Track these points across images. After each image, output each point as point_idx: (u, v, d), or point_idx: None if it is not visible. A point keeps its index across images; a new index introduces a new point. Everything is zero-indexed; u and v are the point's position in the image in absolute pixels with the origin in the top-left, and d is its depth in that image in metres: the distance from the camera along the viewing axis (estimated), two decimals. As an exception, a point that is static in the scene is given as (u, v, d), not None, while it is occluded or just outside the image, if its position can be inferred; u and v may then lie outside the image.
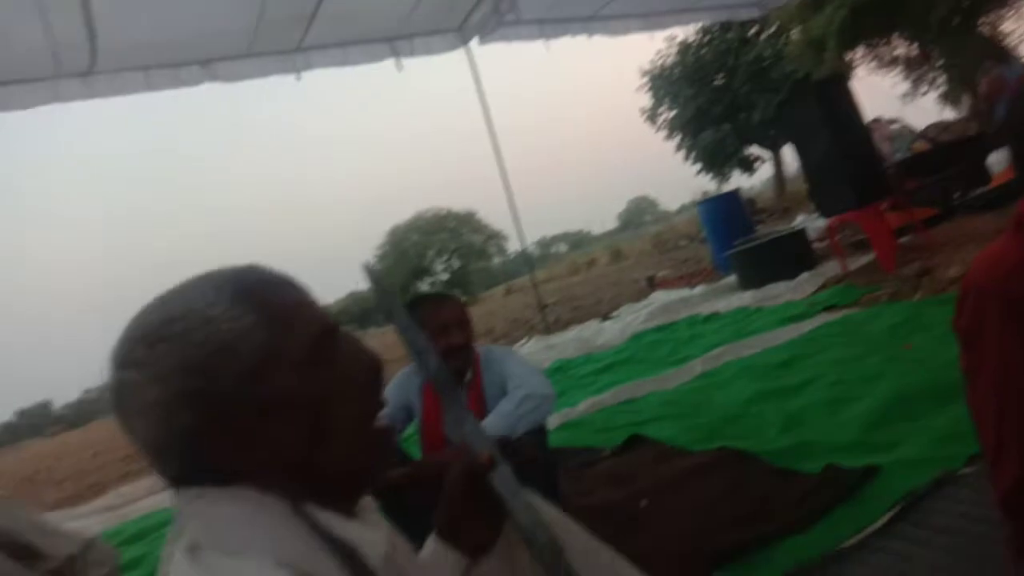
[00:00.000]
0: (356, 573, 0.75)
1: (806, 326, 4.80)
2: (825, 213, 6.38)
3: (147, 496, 6.18)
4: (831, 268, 6.50)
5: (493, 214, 38.96)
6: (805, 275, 6.60)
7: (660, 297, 8.63)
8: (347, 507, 0.82)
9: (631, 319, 7.58)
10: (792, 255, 7.06)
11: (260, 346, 0.75)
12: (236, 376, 0.74)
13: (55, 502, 8.06)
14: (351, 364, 0.82)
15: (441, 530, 1.07)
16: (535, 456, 1.57)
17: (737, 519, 2.31)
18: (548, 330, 9.17)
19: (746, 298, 6.62)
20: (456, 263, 37.25)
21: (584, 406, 4.46)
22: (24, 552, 2.32)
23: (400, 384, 2.83)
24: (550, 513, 1.09)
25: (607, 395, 4.57)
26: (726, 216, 9.33)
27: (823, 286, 6.05)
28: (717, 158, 21.87)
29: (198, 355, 0.73)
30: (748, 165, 22.60)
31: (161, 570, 0.75)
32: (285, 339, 0.76)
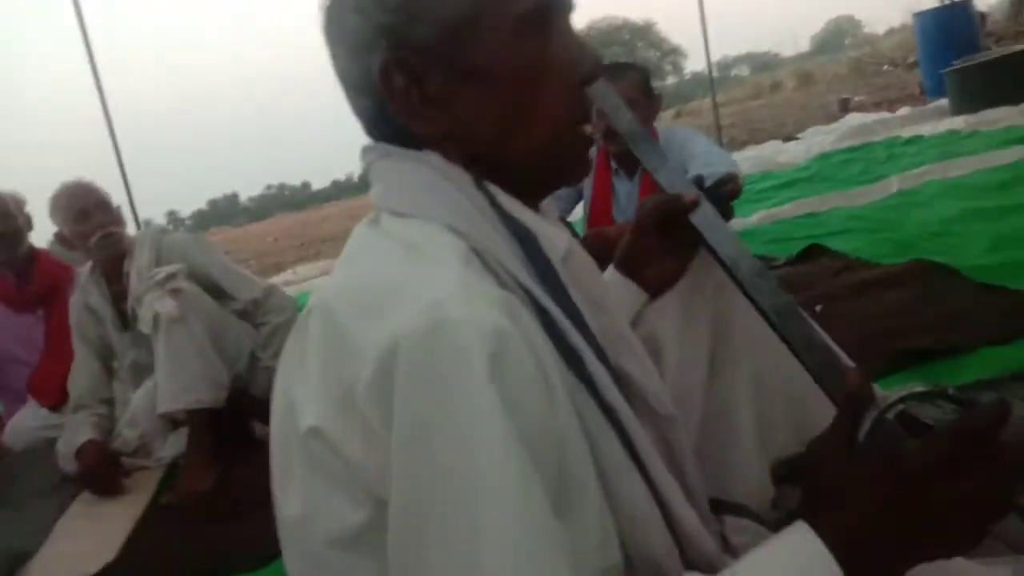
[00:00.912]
0: (532, 259, 0.68)
1: (1031, 149, 4.17)
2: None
3: (320, 275, 6.75)
4: (1071, 92, 5.57)
5: (672, 27, 36.61)
6: (1036, 98, 5.70)
7: (854, 119, 7.82)
8: (531, 202, 0.75)
9: (819, 140, 6.96)
10: (1023, 77, 6.08)
11: (471, 1, 0.67)
12: (439, 25, 0.67)
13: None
14: (569, 54, 0.72)
15: (623, 264, 1.03)
16: (736, 191, 1.44)
17: (928, 326, 2.10)
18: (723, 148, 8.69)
19: (958, 122, 5.84)
20: (627, 82, 35.24)
21: (758, 217, 4.20)
22: (216, 291, 2.53)
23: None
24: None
25: (785, 208, 4.27)
26: (949, 30, 8.08)
27: (1059, 110, 5.22)
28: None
29: None
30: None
31: None
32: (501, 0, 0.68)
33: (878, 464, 0.62)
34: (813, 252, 3.26)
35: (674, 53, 36.95)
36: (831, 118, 9.16)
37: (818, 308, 2.54)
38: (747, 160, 6.90)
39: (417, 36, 0.67)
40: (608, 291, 0.88)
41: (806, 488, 0.68)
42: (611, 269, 1.03)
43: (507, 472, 0.53)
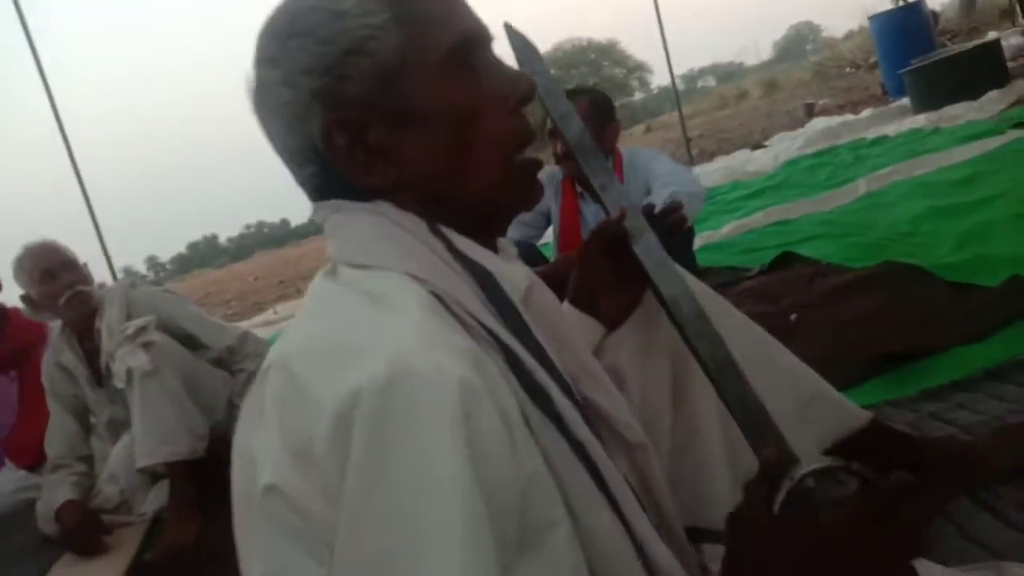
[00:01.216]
0: (493, 299, 0.68)
1: (992, 143, 4.23)
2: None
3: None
4: (1025, 86, 5.68)
5: (636, 44, 37.01)
6: (994, 93, 5.80)
7: (819, 123, 7.93)
8: (488, 241, 0.75)
9: (785, 146, 7.05)
10: (980, 71, 6.18)
11: (395, 47, 0.68)
12: (368, 79, 0.68)
13: (224, 317, 8.92)
14: (499, 81, 0.73)
15: (576, 298, 1.03)
16: (682, 221, 1.44)
17: (901, 328, 2.12)
18: (692, 162, 8.77)
19: (920, 120, 5.94)
20: (596, 99, 35.49)
21: (729, 228, 4.24)
22: (189, 341, 2.51)
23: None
24: (695, 285, 1.01)
25: (756, 217, 4.31)
26: (904, 31, 8.23)
27: (1015, 103, 5.31)
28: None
29: (328, 53, 0.67)
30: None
31: None
32: (423, 40, 0.69)
33: (796, 524, 0.65)
34: (785, 260, 3.28)
35: (640, 69, 37.32)
36: (797, 123, 9.29)
37: (793, 317, 2.55)
38: (717, 171, 6.97)
39: (350, 94, 0.68)
40: (570, 325, 0.88)
41: (726, 556, 0.69)
42: (566, 304, 1.01)
43: (460, 525, 0.52)
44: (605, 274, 1.00)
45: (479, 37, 0.73)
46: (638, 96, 38.70)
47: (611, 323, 1.01)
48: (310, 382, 0.59)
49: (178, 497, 2.30)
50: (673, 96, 10.56)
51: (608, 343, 1.00)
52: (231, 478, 0.69)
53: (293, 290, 9.96)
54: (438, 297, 0.64)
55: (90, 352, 2.54)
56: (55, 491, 2.44)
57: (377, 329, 0.60)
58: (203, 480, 2.37)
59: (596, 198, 1.02)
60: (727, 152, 8.84)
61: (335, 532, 0.55)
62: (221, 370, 2.57)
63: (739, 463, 0.99)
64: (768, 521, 0.67)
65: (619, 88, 36.28)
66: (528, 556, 0.59)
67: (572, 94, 2.56)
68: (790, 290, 2.85)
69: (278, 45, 0.69)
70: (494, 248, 0.76)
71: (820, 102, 11.04)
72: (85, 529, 2.36)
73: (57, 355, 2.58)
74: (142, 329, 2.33)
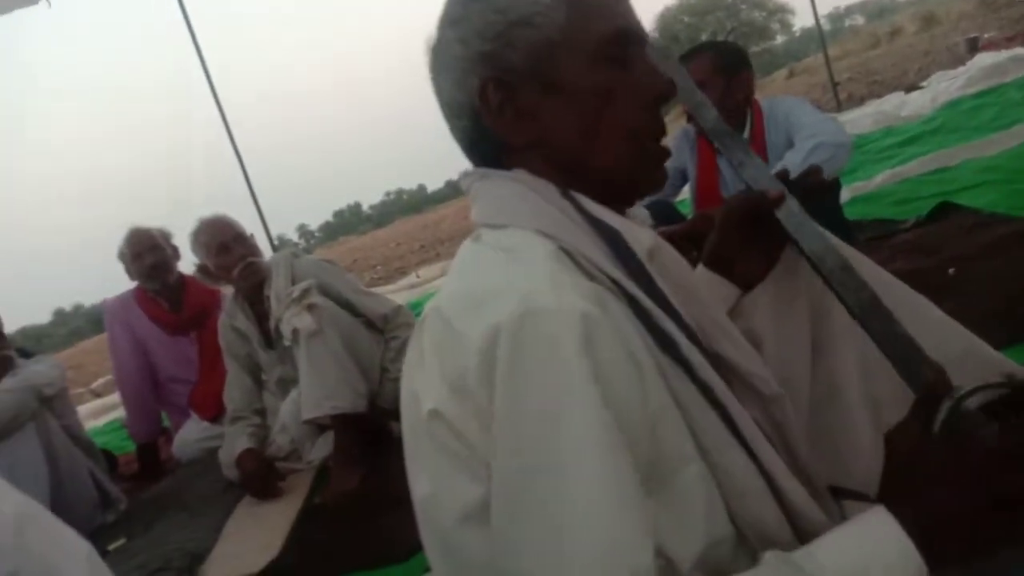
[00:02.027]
0: (619, 255, 0.74)
1: None
2: None
3: (442, 276, 6.98)
4: None
5: (776, -17, 34.95)
6: None
7: (984, 59, 7.25)
8: (614, 209, 0.81)
9: (944, 86, 6.51)
10: None
11: (558, 26, 0.77)
12: (529, 49, 0.77)
13: (370, 282, 9.37)
14: (643, 76, 0.80)
15: (711, 260, 1.05)
16: (822, 184, 1.41)
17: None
18: (839, 107, 8.26)
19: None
20: (734, 46, 33.84)
21: (881, 178, 4.01)
22: (347, 307, 2.70)
23: (674, 147, 2.72)
24: (838, 243, 1.01)
25: (911, 166, 4.05)
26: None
27: None
28: None
29: (500, 21, 0.77)
30: None
31: None
32: (584, 25, 0.77)
33: (953, 450, 0.65)
34: (943, 211, 3.09)
35: (781, 11, 35.19)
36: (958, 61, 8.52)
37: (951, 271, 2.42)
38: (867, 117, 6.55)
39: (510, 59, 0.77)
40: (699, 282, 0.91)
41: (884, 475, 0.71)
42: (700, 267, 1.04)
43: (593, 444, 0.61)
44: (743, 239, 1.01)
45: (633, 34, 0.80)
46: (779, 40, 36.65)
47: (745, 285, 1.03)
48: (459, 324, 0.68)
49: (342, 447, 2.50)
50: (818, 37, 9.93)
51: (743, 304, 1.01)
52: (401, 416, 0.79)
53: (433, 254, 10.32)
54: (565, 252, 0.72)
55: (260, 316, 2.78)
56: (235, 441, 2.71)
57: (510, 275, 0.69)
58: (364, 433, 2.57)
59: (736, 173, 1.05)
60: (878, 96, 8.28)
61: (489, 453, 0.64)
62: (375, 334, 2.75)
63: (880, 421, 0.99)
64: (927, 441, 0.69)
65: (759, 32, 34.49)
66: (661, 494, 0.65)
67: (694, 51, 2.51)
68: (948, 243, 2.69)
69: (462, 7, 0.79)
70: (622, 214, 0.82)
71: (985, 35, 10.06)
72: (262, 474, 2.61)
73: (232, 319, 2.84)
74: (306, 292, 2.53)
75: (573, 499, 0.60)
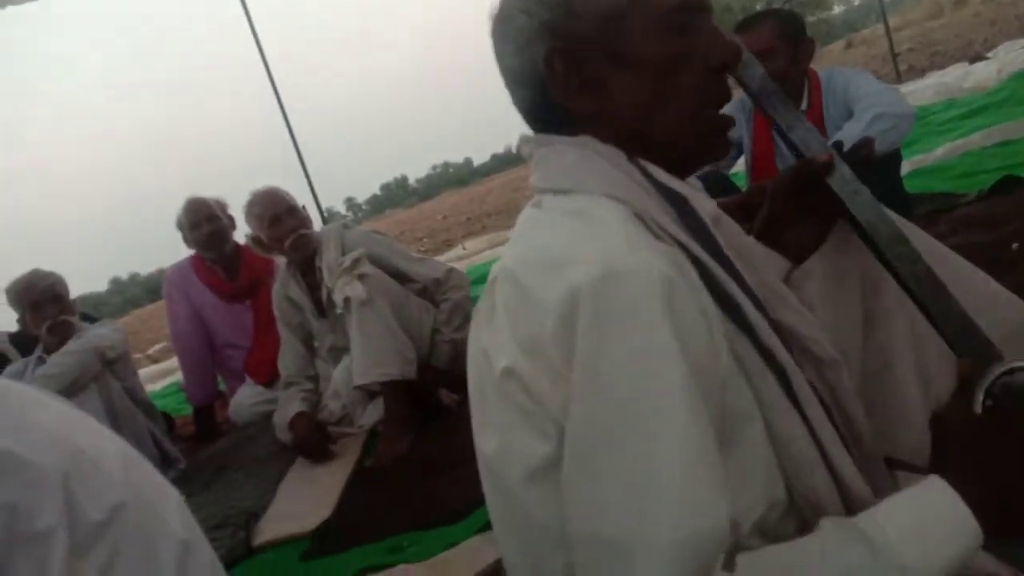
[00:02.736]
0: (686, 220, 0.75)
1: None
2: None
3: (488, 248, 7.03)
4: None
5: (836, -46, 33.77)
6: None
7: (1055, 28, 6.94)
8: (681, 174, 0.82)
9: (1012, 57, 6.26)
10: None
11: None
12: (594, 18, 0.77)
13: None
14: (709, 44, 0.80)
15: (762, 232, 1.03)
16: (871, 157, 1.36)
17: None
18: (899, 79, 8.01)
19: None
20: (789, 17, 32.88)
21: (942, 151, 3.89)
22: (396, 276, 2.74)
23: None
24: (892, 215, 0.99)
25: (974, 138, 3.92)
26: None
27: None
28: None
29: None
30: None
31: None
32: None
33: (1005, 425, 0.66)
34: (1006, 185, 3.00)
35: (839, -20, 34.09)
36: (1028, 29, 8.19)
37: (1015, 246, 2.35)
38: (928, 88, 6.36)
39: (575, 29, 0.77)
40: (757, 251, 0.91)
41: (934, 449, 0.71)
42: (750, 238, 1.02)
43: (678, 401, 0.61)
44: (794, 210, 1.00)
45: (699, 4, 0.79)
46: (837, 10, 35.43)
47: (797, 258, 1.02)
48: (533, 288, 0.68)
49: (392, 413, 2.56)
50: (877, 7, 9.61)
51: (795, 277, 1.00)
52: (466, 374, 0.81)
53: (479, 227, 10.36)
54: (636, 216, 0.71)
55: (312, 286, 2.84)
56: (288, 405, 2.79)
57: (586, 238, 0.68)
58: (413, 399, 2.62)
59: (785, 140, 1.02)
60: (940, 67, 8.02)
61: (558, 411, 0.65)
62: (425, 301, 2.79)
63: (931, 393, 0.98)
64: (971, 416, 0.69)
65: (814, 3, 33.43)
66: (728, 454, 0.65)
67: (755, 19, 2.45)
68: (1012, 217, 2.61)
69: None
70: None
71: (1058, 3, 9.63)
72: (314, 438, 2.68)
73: (285, 289, 2.90)
74: (357, 261, 2.57)
75: (655, 458, 0.60)
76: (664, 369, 0.61)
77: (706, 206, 0.79)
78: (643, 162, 0.77)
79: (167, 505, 0.79)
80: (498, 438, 0.72)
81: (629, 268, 0.63)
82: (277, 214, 2.73)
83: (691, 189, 0.79)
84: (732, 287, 0.71)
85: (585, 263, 0.64)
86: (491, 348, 0.72)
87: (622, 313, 0.62)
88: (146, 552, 0.74)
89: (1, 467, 0.69)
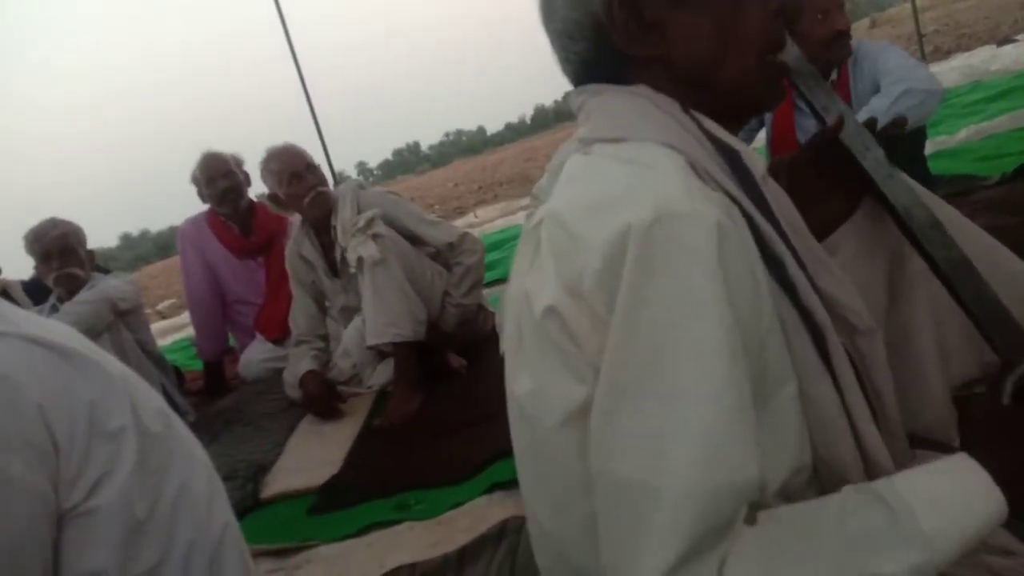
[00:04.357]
0: (738, 175, 0.73)
1: None
2: None
3: (500, 217, 7.03)
4: None
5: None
6: None
7: (1087, 13, 6.81)
8: (730, 129, 0.80)
9: (1041, 40, 6.15)
10: None
11: None
12: None
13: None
14: None
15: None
16: (902, 131, 1.34)
17: None
18: (925, 60, 7.89)
19: None
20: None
21: (966, 133, 3.84)
22: (410, 238, 2.73)
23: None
24: (924, 194, 0.98)
25: (999, 121, 3.86)
26: None
27: None
28: None
29: None
30: None
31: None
32: None
33: None
34: (1030, 168, 2.95)
35: (866, -43, 33.47)
36: (1059, 14, 8.03)
37: (1037, 229, 2.32)
38: (954, 70, 6.26)
39: None
40: (799, 216, 0.89)
41: (963, 435, 0.70)
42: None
43: (719, 352, 0.59)
44: (816, 186, 0.99)
45: None
46: (862, -12, 34.91)
47: (819, 234, 1.01)
48: (580, 229, 0.66)
49: (403, 373, 2.56)
50: (905, -14, 9.43)
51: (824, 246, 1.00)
52: (497, 323, 0.81)
53: (491, 195, 10.33)
54: (691, 166, 0.70)
55: (326, 245, 2.83)
56: (299, 362, 2.80)
57: (640, 182, 0.66)
58: (423, 361, 2.63)
59: (820, 120, 1.01)
60: (967, 49, 7.90)
61: (598, 356, 0.63)
62: (437, 264, 2.78)
63: (949, 370, 0.98)
64: (998, 409, 0.69)
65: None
66: (760, 411, 0.64)
67: None
68: (1035, 202, 2.58)
69: None
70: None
71: (1091, -13, 9.44)
72: (324, 395, 2.70)
73: (299, 247, 2.89)
74: (371, 221, 2.56)
75: (690, 405, 0.59)
76: (709, 317, 0.60)
77: (757, 163, 0.78)
78: (697, 114, 0.76)
79: (200, 454, 0.86)
80: (533, 380, 0.71)
81: (684, 212, 0.62)
82: (296, 171, 2.70)
83: (743, 145, 0.77)
84: (779, 246, 0.70)
85: (638, 205, 0.63)
86: (533, 290, 0.71)
87: (672, 256, 0.61)
88: (189, 456, 0.82)
89: (80, 368, 0.73)
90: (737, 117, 0.81)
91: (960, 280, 0.86)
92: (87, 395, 0.71)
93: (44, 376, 0.68)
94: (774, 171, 1.04)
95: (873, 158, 0.95)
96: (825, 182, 0.99)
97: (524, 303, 0.72)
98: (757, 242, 0.68)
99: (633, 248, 0.61)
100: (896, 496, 0.62)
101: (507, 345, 0.78)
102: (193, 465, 0.82)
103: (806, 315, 0.70)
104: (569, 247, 0.67)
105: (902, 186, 0.93)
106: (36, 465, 0.65)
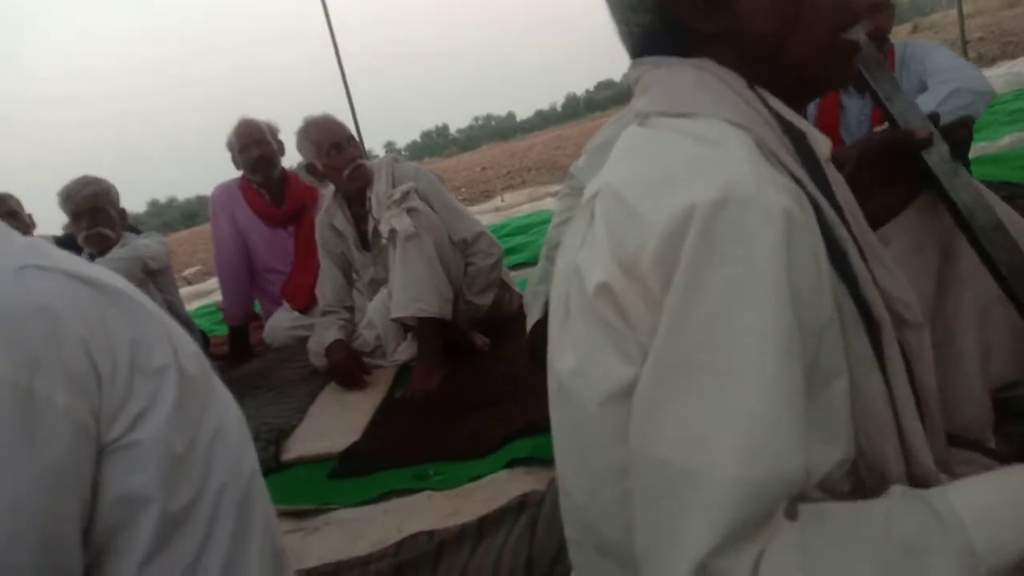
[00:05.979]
0: (803, 155, 0.71)
1: None
2: None
3: (528, 202, 7.02)
4: None
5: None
6: None
7: None
8: (796, 108, 0.77)
9: (1090, 51, 6.02)
10: None
11: None
12: None
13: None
14: None
15: None
16: (969, 138, 1.33)
17: None
18: (968, 67, 7.75)
19: None
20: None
21: (1008, 140, 3.79)
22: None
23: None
24: (992, 200, 0.97)
25: (1043, 129, 3.80)
26: None
27: None
28: None
29: None
30: None
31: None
32: None
33: None
34: (1075, 178, 2.90)
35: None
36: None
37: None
38: (999, 77, 6.17)
39: None
40: (856, 204, 0.89)
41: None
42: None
43: (775, 340, 0.57)
44: (879, 176, 0.97)
45: None
46: (907, -8, 34.31)
47: (873, 224, 1.00)
48: (640, 205, 0.64)
49: (426, 349, 2.58)
50: (952, -9, 9.25)
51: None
52: (525, 302, 0.80)
53: (519, 181, 10.30)
54: (758, 146, 0.68)
55: (358, 217, 2.83)
56: (325, 332, 2.82)
57: (706, 161, 0.64)
58: (447, 338, 2.64)
59: (882, 108, 0.99)
60: (1012, 56, 7.77)
61: (648, 337, 0.62)
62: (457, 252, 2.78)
63: (991, 370, 0.96)
64: None
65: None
66: (810, 402, 0.62)
67: None
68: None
69: None
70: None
71: None
72: (350, 365, 2.72)
73: (331, 217, 2.89)
74: (406, 195, 2.57)
75: (741, 391, 0.57)
76: (768, 307, 0.58)
77: (822, 145, 0.75)
78: (762, 91, 0.73)
79: (234, 410, 0.86)
80: (577, 356, 0.69)
81: (752, 197, 0.59)
82: (337, 142, 2.69)
83: (808, 125, 0.75)
84: (842, 233, 0.68)
85: (704, 185, 0.60)
86: (584, 265, 0.69)
87: (736, 241, 0.58)
88: (223, 402, 0.83)
89: (122, 306, 0.74)
90: (802, 97, 0.78)
91: (1019, 283, 0.84)
92: (129, 332, 0.71)
93: (86, 311, 0.69)
94: (837, 162, 1.03)
95: (938, 154, 0.93)
96: (886, 175, 0.98)
97: (575, 277, 0.71)
98: (821, 229, 0.65)
99: (695, 229, 0.59)
100: (948, 507, 0.60)
101: (552, 318, 0.76)
102: (228, 410, 0.83)
103: (864, 307, 0.68)
104: (626, 223, 0.65)
105: (966, 184, 0.91)
106: (79, 396, 0.65)
